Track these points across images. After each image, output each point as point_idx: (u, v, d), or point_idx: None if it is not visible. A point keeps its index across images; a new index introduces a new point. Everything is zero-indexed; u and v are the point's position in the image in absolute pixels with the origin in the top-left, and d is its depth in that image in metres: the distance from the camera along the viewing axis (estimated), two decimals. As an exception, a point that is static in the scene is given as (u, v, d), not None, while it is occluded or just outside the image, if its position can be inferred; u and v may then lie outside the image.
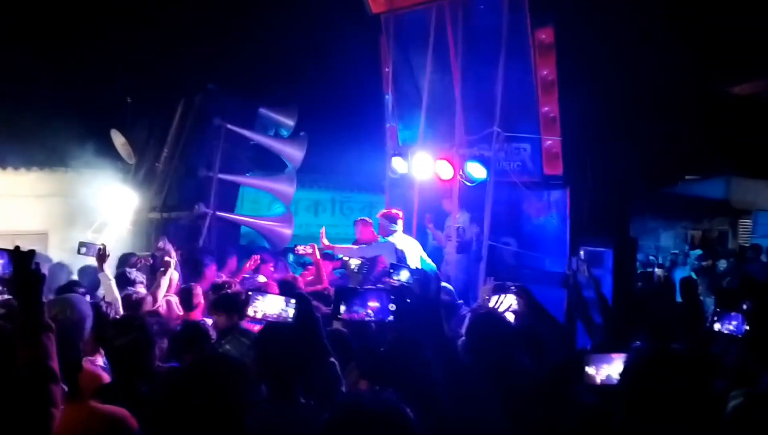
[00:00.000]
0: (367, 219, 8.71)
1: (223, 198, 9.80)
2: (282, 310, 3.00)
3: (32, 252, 2.40)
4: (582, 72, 8.16)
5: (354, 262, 5.91)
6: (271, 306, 3.02)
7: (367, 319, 2.85)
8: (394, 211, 7.98)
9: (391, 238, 7.68)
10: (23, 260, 2.35)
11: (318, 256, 6.54)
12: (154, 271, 6.52)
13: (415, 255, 7.74)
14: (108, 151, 9.95)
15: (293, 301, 2.99)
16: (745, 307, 3.99)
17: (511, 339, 3.36)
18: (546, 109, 8.16)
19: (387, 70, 9.65)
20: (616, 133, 8.51)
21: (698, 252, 12.33)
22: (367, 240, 8.27)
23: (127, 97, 10.19)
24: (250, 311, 3.01)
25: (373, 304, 2.87)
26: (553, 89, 8.12)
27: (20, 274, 2.33)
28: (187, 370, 2.74)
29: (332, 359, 2.92)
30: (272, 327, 2.89)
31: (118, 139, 10.13)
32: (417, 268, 4.86)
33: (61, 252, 8.41)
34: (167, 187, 9.93)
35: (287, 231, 9.56)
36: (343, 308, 2.86)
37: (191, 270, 6.98)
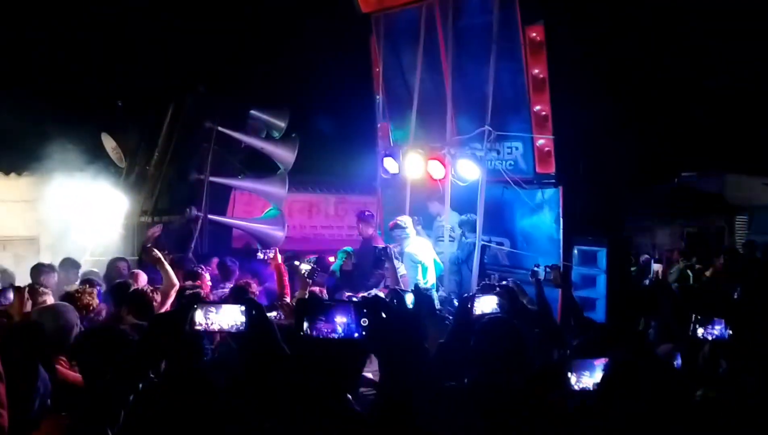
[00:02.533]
0: (367, 212, 8.61)
1: (214, 201, 9.74)
2: (239, 320, 2.81)
3: None
4: (574, 70, 8.11)
5: (304, 267, 5.65)
6: (226, 317, 2.84)
7: (333, 335, 2.62)
8: (398, 220, 7.94)
9: (406, 248, 7.65)
10: None
11: (280, 262, 6.31)
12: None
13: (429, 258, 7.75)
14: (99, 155, 9.87)
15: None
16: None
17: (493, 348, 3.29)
18: (538, 107, 8.11)
19: (377, 69, 9.60)
20: (610, 131, 8.46)
21: None
22: (369, 236, 8.22)
23: (118, 100, 10.13)
24: (198, 325, 2.79)
25: (341, 319, 2.65)
26: (545, 87, 8.07)
27: None
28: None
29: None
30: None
31: (108, 143, 10.07)
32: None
33: (53, 256, 8.35)
34: (158, 190, 9.88)
35: (279, 233, 9.50)
36: (305, 324, 2.65)
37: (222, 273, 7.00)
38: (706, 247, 13.51)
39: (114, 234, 9.90)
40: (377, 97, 9.74)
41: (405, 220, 7.99)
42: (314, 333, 2.63)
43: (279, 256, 6.36)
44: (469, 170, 8.25)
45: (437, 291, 7.71)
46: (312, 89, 10.24)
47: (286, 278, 6.06)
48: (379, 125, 9.78)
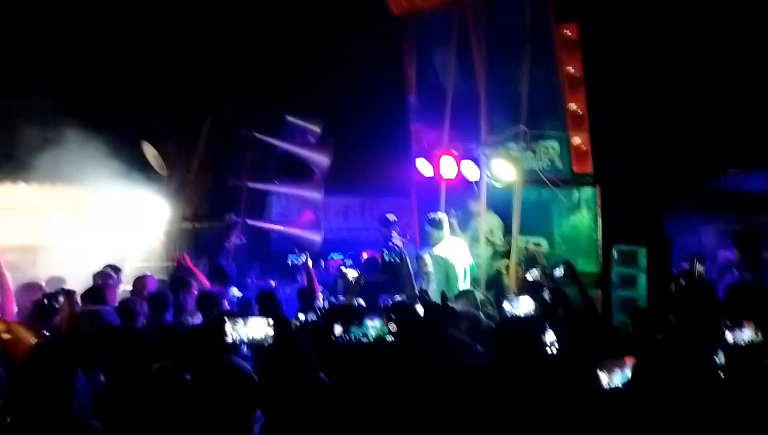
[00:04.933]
0: (387, 216, 8.62)
1: (253, 206, 9.88)
2: (267, 333, 2.85)
3: None
4: (610, 66, 7.98)
5: (351, 273, 5.68)
6: (254, 329, 2.87)
7: (365, 340, 2.65)
8: (439, 215, 7.92)
9: (438, 250, 7.63)
10: None
11: (310, 266, 6.38)
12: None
13: (461, 262, 7.68)
14: (140, 163, 10.11)
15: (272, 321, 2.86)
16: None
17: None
18: (573, 105, 8.01)
19: (410, 72, 9.61)
20: (650, 127, 8.30)
21: None
22: (390, 240, 8.23)
23: (157, 109, 10.35)
24: (228, 338, 2.84)
25: (372, 323, 2.67)
26: (580, 85, 7.97)
27: None
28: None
29: (321, 375, 2.83)
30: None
31: (149, 151, 10.31)
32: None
33: (97, 262, 8.55)
34: (198, 197, 10.07)
35: (316, 236, 9.59)
36: (338, 329, 2.68)
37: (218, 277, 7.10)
38: (753, 245, 13.07)
39: (156, 240, 10.16)
40: (410, 99, 9.75)
41: (441, 217, 7.92)
42: (346, 338, 2.67)
43: (309, 260, 6.44)
44: (504, 171, 8.18)
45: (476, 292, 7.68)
46: (345, 93, 10.28)
47: (316, 282, 6.15)
48: (412, 127, 9.78)
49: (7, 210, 10.57)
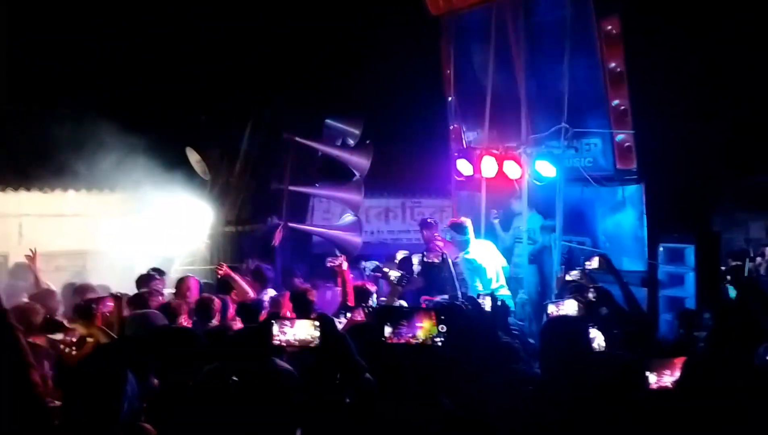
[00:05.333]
0: (428, 219, 8.57)
1: (294, 209, 9.96)
2: (313, 335, 2.87)
3: None
4: (653, 60, 7.84)
5: (393, 274, 5.66)
6: (301, 332, 2.90)
7: (414, 341, 2.66)
8: (461, 219, 7.83)
9: (465, 253, 7.56)
10: None
11: (345, 268, 6.39)
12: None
13: (492, 263, 7.58)
14: (184, 168, 10.31)
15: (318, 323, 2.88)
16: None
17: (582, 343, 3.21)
18: (616, 102, 7.89)
19: (448, 72, 9.57)
20: (696, 121, 8.12)
21: None
22: (432, 242, 8.16)
23: (200, 115, 10.54)
24: (275, 339, 2.88)
25: (422, 324, 2.68)
26: (623, 81, 7.85)
27: None
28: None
29: (368, 376, 2.84)
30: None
31: (193, 157, 10.50)
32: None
33: (143, 267, 8.74)
34: (241, 201, 10.20)
35: (357, 239, 9.60)
36: (388, 330, 2.69)
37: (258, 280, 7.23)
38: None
39: (200, 244, 10.34)
40: (449, 99, 9.71)
41: (464, 221, 7.81)
42: (396, 339, 2.69)
43: (344, 263, 6.45)
44: (546, 169, 8.09)
45: (512, 293, 7.62)
46: (384, 95, 10.32)
47: (350, 286, 6.17)
48: (451, 127, 9.74)
49: (58, 216, 10.89)
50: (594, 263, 6.09)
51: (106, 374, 3.47)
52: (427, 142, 9.91)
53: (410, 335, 2.65)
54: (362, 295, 6.18)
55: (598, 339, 3.74)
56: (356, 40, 10.16)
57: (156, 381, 3.64)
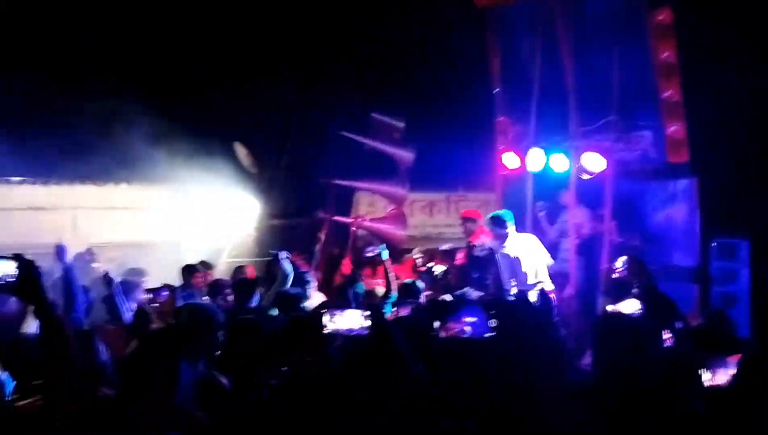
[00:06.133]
0: (471, 214, 8.47)
1: (339, 203, 10.05)
2: (362, 324, 2.91)
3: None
4: (706, 51, 7.63)
5: (438, 269, 5.65)
6: (350, 321, 2.95)
7: (464, 335, 2.67)
8: (501, 213, 7.73)
9: (503, 247, 7.47)
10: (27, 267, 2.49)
11: (386, 257, 6.36)
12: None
13: (532, 257, 7.44)
14: (231, 162, 10.47)
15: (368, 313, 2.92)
16: None
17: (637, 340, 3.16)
18: (667, 93, 7.71)
19: (494, 64, 9.48)
20: (749, 113, 7.87)
21: None
22: (476, 236, 8.09)
23: (248, 109, 10.68)
24: (327, 329, 2.93)
25: (470, 319, 2.69)
26: (675, 72, 7.67)
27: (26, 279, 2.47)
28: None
29: (417, 367, 2.84)
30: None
31: (240, 151, 10.67)
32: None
33: (192, 259, 8.91)
34: (287, 194, 10.34)
35: (401, 232, 9.64)
36: (437, 324, 2.71)
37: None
38: None
39: (247, 237, 10.52)
40: (495, 91, 9.63)
41: (503, 214, 7.68)
42: (444, 332, 2.70)
43: (385, 253, 6.44)
44: (594, 162, 7.96)
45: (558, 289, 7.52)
46: (429, 88, 10.29)
47: (392, 275, 6.17)
48: (497, 120, 9.66)
49: (111, 209, 11.21)
50: (619, 263, 6.00)
51: (159, 364, 3.56)
52: (472, 135, 9.84)
53: (459, 329, 2.65)
54: (410, 291, 6.18)
55: (652, 336, 3.67)
56: (402, 32, 10.12)
57: (208, 369, 3.72)
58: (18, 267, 2.45)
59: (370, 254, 7.47)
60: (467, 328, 2.66)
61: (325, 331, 3.00)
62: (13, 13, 9.52)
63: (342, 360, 3.08)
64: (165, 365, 3.63)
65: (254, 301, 5.92)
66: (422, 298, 5.99)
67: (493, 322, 2.61)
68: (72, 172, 11.13)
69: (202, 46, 10.00)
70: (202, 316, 4.38)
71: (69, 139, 10.12)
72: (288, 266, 6.35)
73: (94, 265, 7.81)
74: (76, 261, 8.06)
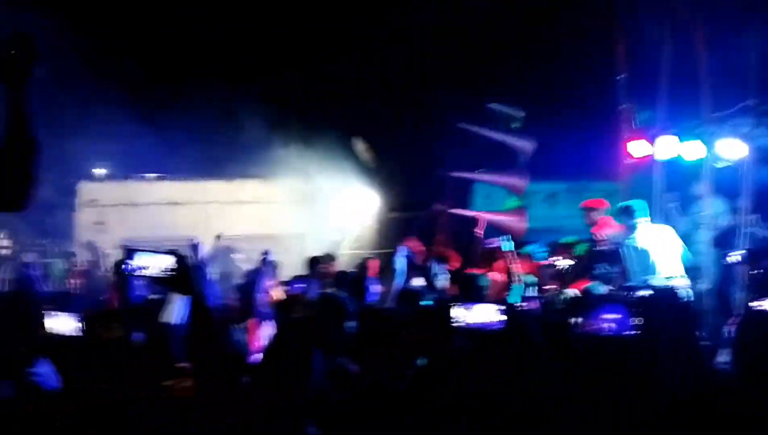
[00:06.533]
0: (594, 203, 8.08)
1: (457, 195, 10.04)
2: (495, 318, 2.91)
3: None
4: None
5: (562, 263, 5.45)
6: (480, 314, 2.95)
7: (604, 333, 2.60)
8: (629, 203, 7.38)
9: (632, 237, 7.14)
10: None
11: (507, 251, 6.19)
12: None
13: (666, 249, 7.06)
14: (351, 157, 10.75)
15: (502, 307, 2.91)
16: None
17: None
18: (814, 73, 7.10)
19: (619, 48, 9.10)
20: None
21: None
22: (600, 226, 7.76)
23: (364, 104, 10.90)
24: (454, 320, 2.96)
25: (612, 316, 2.61)
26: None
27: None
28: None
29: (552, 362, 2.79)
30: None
31: (359, 146, 10.92)
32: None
33: (316, 250, 9.22)
34: (405, 187, 10.47)
35: (521, 225, 9.49)
36: (578, 320, 2.65)
37: None
38: None
39: (367, 229, 10.77)
40: (619, 77, 9.25)
41: (631, 205, 7.30)
42: (584, 329, 2.65)
43: (505, 245, 6.30)
44: (731, 149, 7.46)
45: (695, 283, 7.10)
46: (547, 75, 10.05)
47: (515, 267, 6.03)
48: (621, 106, 9.28)
49: (238, 204, 11.87)
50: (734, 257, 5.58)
51: (295, 351, 3.74)
52: (594, 122, 9.52)
53: (599, 326, 2.58)
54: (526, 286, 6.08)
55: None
56: (518, 20, 9.95)
57: (342, 359, 3.85)
58: (176, 262, 2.67)
59: (491, 246, 7.38)
60: (610, 325, 2.57)
61: (455, 325, 3.03)
62: (145, 19, 10.23)
63: (472, 354, 3.10)
64: (301, 353, 3.81)
65: (374, 296, 6.02)
66: (541, 293, 5.88)
67: (636, 320, 2.52)
68: (204, 169, 11.87)
69: (326, 46, 10.30)
70: (335, 305, 4.54)
71: (200, 137, 10.79)
72: (400, 262, 6.38)
73: (233, 255, 8.27)
74: (217, 253, 8.62)
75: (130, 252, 2.79)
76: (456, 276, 6.60)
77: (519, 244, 9.46)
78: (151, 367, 3.36)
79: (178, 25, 10.46)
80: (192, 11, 10.46)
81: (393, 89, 10.37)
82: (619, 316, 2.53)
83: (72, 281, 8.31)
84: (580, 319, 2.60)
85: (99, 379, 3.09)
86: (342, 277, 6.53)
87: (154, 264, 2.69)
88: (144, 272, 2.73)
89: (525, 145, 9.69)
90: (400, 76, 10.43)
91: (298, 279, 6.50)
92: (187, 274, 2.74)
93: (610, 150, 9.44)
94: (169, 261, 2.63)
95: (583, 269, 7.43)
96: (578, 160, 10.20)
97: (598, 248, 7.27)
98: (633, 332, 2.50)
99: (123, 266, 2.80)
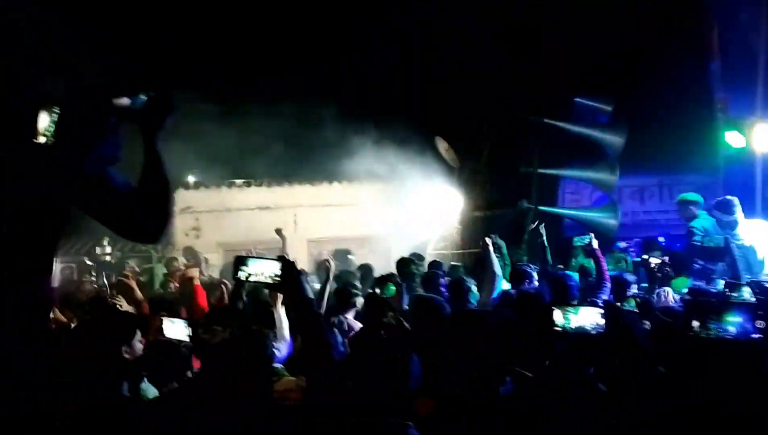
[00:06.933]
0: (686, 196, 7.73)
1: (544, 192, 9.90)
2: (598, 322, 2.85)
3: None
4: None
5: (653, 260, 5.23)
6: (584, 318, 2.90)
7: (725, 337, 2.45)
8: (728, 197, 7.05)
9: (735, 233, 6.81)
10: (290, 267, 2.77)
11: (595, 246, 5.98)
12: None
13: (765, 245, 6.74)
14: (434, 158, 10.79)
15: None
16: None
17: None
18: None
19: (712, 34, 8.74)
20: None
21: None
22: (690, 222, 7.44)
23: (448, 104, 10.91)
24: (556, 325, 2.92)
25: (733, 318, 2.47)
26: None
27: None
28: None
29: (660, 368, 2.69)
30: None
31: (442, 145, 10.94)
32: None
33: (401, 251, 9.31)
34: (489, 185, 10.42)
35: (612, 221, 9.23)
36: (696, 324, 2.53)
37: None
38: None
39: (451, 229, 10.79)
40: (712, 65, 8.88)
41: (730, 200, 6.95)
42: (705, 333, 2.53)
43: (595, 242, 6.14)
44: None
45: None
46: (637, 65, 9.74)
47: (603, 263, 5.87)
48: (716, 96, 8.90)
49: (326, 206, 12.15)
50: None
51: (391, 356, 3.81)
52: (687, 114, 9.16)
53: (721, 329, 2.45)
54: (620, 285, 5.90)
55: None
56: (605, 10, 9.66)
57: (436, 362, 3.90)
58: (282, 267, 2.78)
59: (578, 244, 7.22)
60: (732, 329, 2.44)
61: (555, 329, 2.99)
62: (233, 26, 10.60)
63: (573, 361, 3.05)
64: (394, 358, 3.87)
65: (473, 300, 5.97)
66: (633, 292, 5.68)
67: (761, 323, 2.40)
68: (290, 174, 12.22)
69: (407, 46, 10.38)
70: (429, 307, 4.58)
71: (285, 143, 11.09)
72: (495, 262, 6.27)
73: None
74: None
75: (242, 259, 2.92)
76: (543, 276, 6.48)
77: (609, 241, 9.28)
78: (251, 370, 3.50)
79: (262, 33, 10.80)
80: (277, 21, 10.78)
81: (476, 86, 10.30)
82: (741, 319, 2.38)
83: (173, 286, 8.70)
84: (695, 322, 2.47)
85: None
86: (433, 278, 6.50)
87: (265, 270, 2.81)
88: (257, 279, 2.86)
89: (614, 139, 9.42)
90: (484, 72, 10.34)
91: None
92: (295, 279, 2.84)
93: (704, 142, 9.08)
94: (277, 267, 2.75)
95: (679, 266, 7.18)
96: (669, 152, 9.83)
97: (695, 244, 7.00)
98: (757, 336, 2.36)
99: (238, 273, 2.91)
